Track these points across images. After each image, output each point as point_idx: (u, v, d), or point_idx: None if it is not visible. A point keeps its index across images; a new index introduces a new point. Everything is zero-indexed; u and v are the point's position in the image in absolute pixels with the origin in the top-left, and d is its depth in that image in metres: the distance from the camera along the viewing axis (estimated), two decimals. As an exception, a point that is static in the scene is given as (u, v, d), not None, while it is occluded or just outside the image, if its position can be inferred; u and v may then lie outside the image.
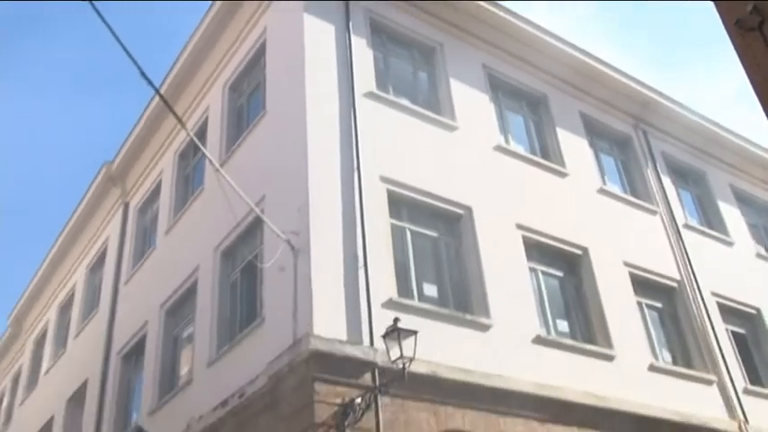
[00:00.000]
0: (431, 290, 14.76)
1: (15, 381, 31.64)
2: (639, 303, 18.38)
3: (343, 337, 12.52)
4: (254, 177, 15.33)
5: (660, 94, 22.92)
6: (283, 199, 14.35)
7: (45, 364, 27.70)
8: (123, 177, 24.02)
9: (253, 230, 15.49)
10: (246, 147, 16.89)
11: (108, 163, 24.15)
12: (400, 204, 15.11)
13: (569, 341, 16.16)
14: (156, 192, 21.89)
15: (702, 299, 19.56)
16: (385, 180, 14.86)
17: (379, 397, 12.19)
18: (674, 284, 19.52)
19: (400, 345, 11.93)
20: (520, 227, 16.62)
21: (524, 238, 16.60)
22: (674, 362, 18.41)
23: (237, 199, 14.59)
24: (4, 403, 32.41)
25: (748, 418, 17.97)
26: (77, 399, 22.79)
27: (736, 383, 18.57)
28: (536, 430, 14.18)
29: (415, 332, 12.05)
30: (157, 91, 13.57)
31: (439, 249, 15.52)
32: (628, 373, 16.38)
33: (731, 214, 23.53)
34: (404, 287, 14.11)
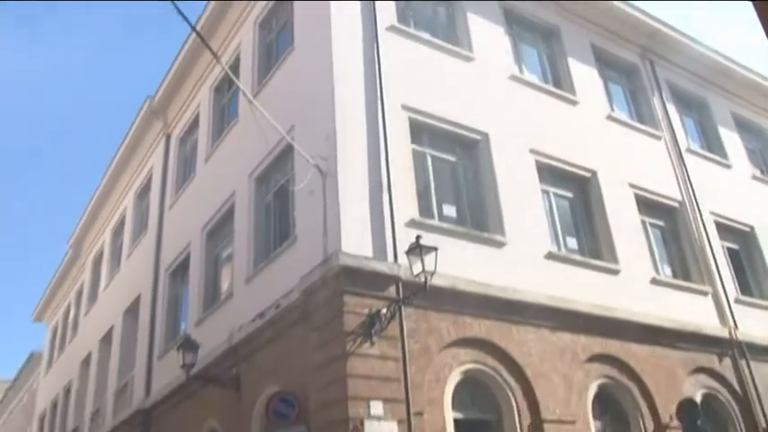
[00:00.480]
0: (450, 210, 14.64)
1: (79, 296, 32.24)
2: (643, 222, 18.24)
3: (370, 253, 12.49)
4: (285, 108, 15.09)
5: (666, 25, 22.19)
6: (312, 128, 14.15)
7: (103, 281, 28.15)
8: (164, 111, 23.87)
9: (284, 157, 15.35)
10: (276, 80, 16.61)
11: (150, 97, 23.97)
12: (421, 131, 14.87)
13: (578, 257, 16.06)
14: (194, 123, 21.75)
15: (701, 217, 19.40)
16: (407, 108, 14.59)
17: (402, 308, 12.22)
18: (676, 204, 19.30)
19: (422, 260, 11.89)
20: (533, 151, 16.36)
21: (537, 161, 16.37)
22: (674, 275, 18.34)
23: (269, 128, 14.46)
24: (71, 315, 33.10)
25: (738, 324, 18.09)
26: (132, 311, 23.18)
27: (728, 294, 18.62)
28: (546, 338, 14.20)
29: (435, 249, 12.00)
30: (194, 28, 13.33)
31: (457, 173, 15.33)
32: (632, 286, 16.33)
33: (731, 139, 23.05)
34: (425, 208, 14.00)
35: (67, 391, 30.76)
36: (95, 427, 25.11)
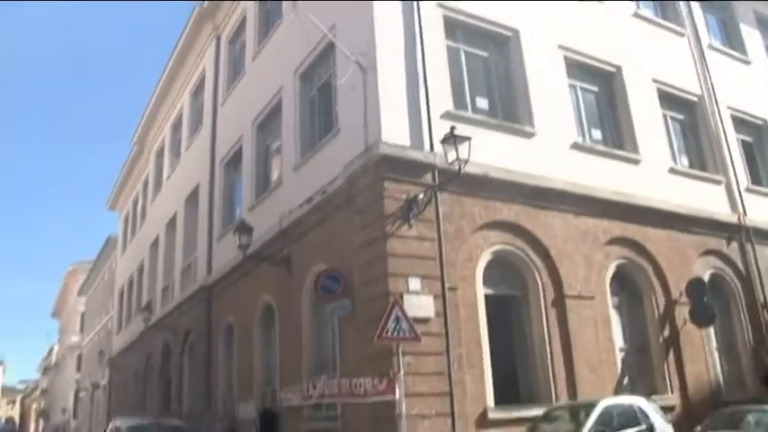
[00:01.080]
0: (482, 103, 14.08)
1: (145, 186, 32.52)
2: (664, 116, 17.48)
3: (408, 143, 12.12)
4: (326, 8, 14.35)
5: None
6: (352, 26, 13.48)
7: (165, 173, 28.23)
8: (213, 15, 23.07)
9: (326, 54, 14.76)
10: (319, -20, 15.76)
11: (200, 3, 23.16)
12: (455, 28, 14.12)
13: (602, 147, 15.52)
14: (242, 25, 21.01)
15: (719, 111, 18.55)
16: (442, 6, 13.81)
17: (438, 193, 11.95)
18: (695, 99, 18.40)
19: (456, 149, 11.52)
20: (561, 47, 15.51)
21: (565, 57, 15.55)
22: (691, 165, 17.73)
23: (312, 27, 13.88)
24: (140, 203, 33.53)
25: (747, 211, 17.59)
26: (192, 199, 23.26)
27: (740, 183, 18.04)
28: (570, 222, 13.88)
29: (468, 138, 11.60)
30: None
31: (489, 67, 14.63)
32: (651, 175, 15.80)
33: (752, 36, 21.63)
34: (459, 100, 13.47)
35: (140, 270, 31.52)
36: (166, 301, 25.77)
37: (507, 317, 13.15)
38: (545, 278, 13.20)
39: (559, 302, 13.18)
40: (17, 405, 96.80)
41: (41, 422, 71.13)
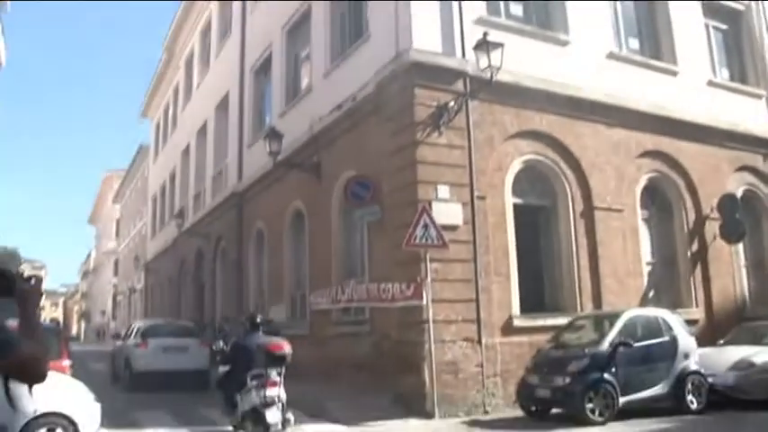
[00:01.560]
0: (516, 9, 13.63)
1: (176, 94, 32.47)
2: (706, 25, 16.76)
3: (439, 49, 11.86)
4: None
5: None
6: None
7: (195, 80, 28.12)
8: None
9: (358, -43, 14.29)
10: None
11: None
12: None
13: (638, 57, 15.03)
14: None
15: (766, 22, 17.68)
16: None
17: (469, 101, 11.76)
18: (742, 8, 17.57)
19: (488, 56, 11.25)
20: (601, -50, 14.80)
21: (605, -39, 14.85)
22: (731, 78, 17.11)
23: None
24: (171, 111, 33.58)
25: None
26: (223, 106, 23.23)
27: (783, 98, 17.33)
28: (603, 133, 13.65)
29: (501, 45, 11.30)
30: None
31: (526, -28, 14.08)
32: (688, 87, 15.31)
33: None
34: (492, 6, 13.05)
35: (172, 178, 31.94)
36: (198, 208, 26.20)
37: (535, 227, 13.18)
38: (574, 189, 13.12)
39: (588, 214, 13.14)
40: (60, 307, 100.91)
41: (83, 323, 74.13)
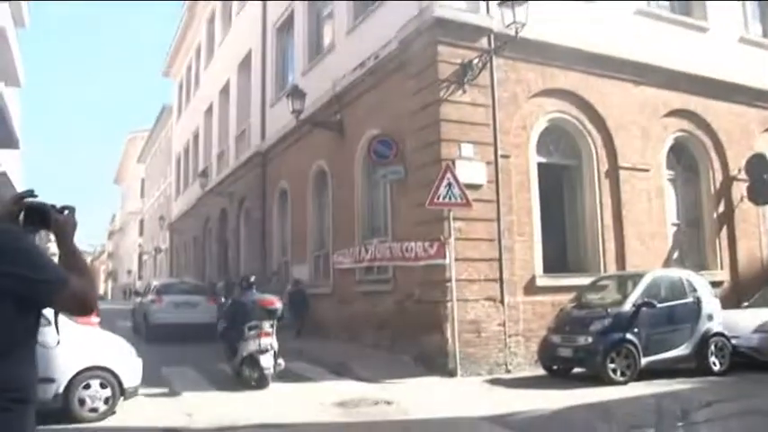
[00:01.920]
0: (544, -37, 13.27)
1: (198, 53, 32.32)
2: (739, -21, 16.21)
3: (463, 5, 11.62)
4: None
5: None
6: None
7: (217, 39, 27.96)
8: None
9: None
10: None
11: None
12: None
13: (667, 13, 14.62)
14: None
15: (801, -26, 17.07)
16: None
17: (493, 58, 11.56)
18: (776, -39, 16.98)
19: (513, 12, 10.99)
20: None
21: None
22: (764, 34, 16.57)
23: None
24: (193, 70, 33.49)
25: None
26: (245, 64, 23.11)
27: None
28: (629, 91, 13.38)
29: (526, 0, 11.02)
30: None
31: (554, -76, 13.67)
32: (719, 44, 14.88)
33: None
34: (519, -40, 12.70)
35: (196, 137, 32.03)
36: (221, 167, 26.31)
37: (559, 186, 13.07)
38: (599, 148, 12.94)
39: (613, 173, 12.98)
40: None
41: (110, 282, 75.48)
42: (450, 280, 10.43)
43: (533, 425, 7.19)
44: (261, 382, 9.52)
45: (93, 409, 7.44)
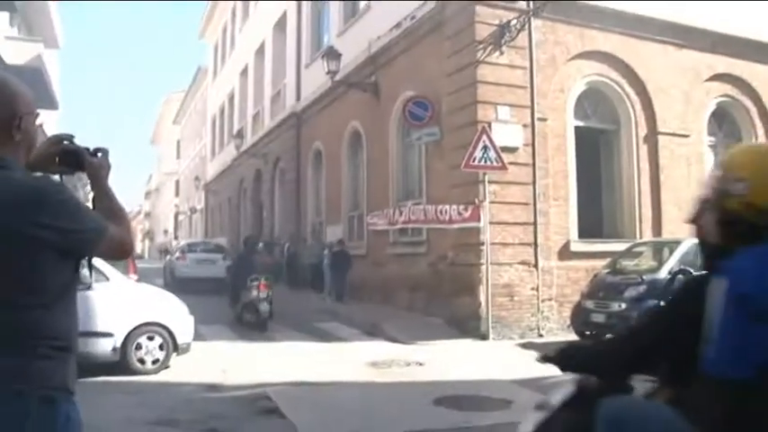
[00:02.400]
0: None
1: (233, 14, 32.15)
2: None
3: (502, -36, 11.37)
4: None
5: None
6: None
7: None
8: None
9: None
10: None
11: None
12: None
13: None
14: None
15: None
16: None
17: (532, 19, 11.30)
18: None
19: (555, -29, 10.74)
20: None
21: None
22: (816, -4, 15.92)
23: None
24: (228, 32, 33.42)
25: None
26: (280, 26, 23.00)
27: None
28: (671, 55, 13.03)
29: (569, -41, 10.76)
30: None
31: None
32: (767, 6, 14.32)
33: None
34: None
35: (231, 98, 32.13)
36: (256, 128, 26.42)
37: (596, 151, 12.89)
38: (639, 113, 12.67)
39: (652, 139, 12.73)
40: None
41: (147, 242, 76.91)
42: (484, 243, 10.42)
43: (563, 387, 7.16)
44: (260, 326, 11.19)
45: (148, 362, 7.78)
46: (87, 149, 2.00)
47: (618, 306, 9.71)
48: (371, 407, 6.35)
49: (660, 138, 12.78)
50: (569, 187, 11.69)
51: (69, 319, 1.83)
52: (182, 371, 7.89)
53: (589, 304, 10.16)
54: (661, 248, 10.91)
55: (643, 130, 12.71)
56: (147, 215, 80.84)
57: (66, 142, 1.98)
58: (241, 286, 11.80)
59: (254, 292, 11.41)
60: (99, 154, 2.01)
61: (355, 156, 16.30)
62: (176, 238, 48.90)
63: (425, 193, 12.69)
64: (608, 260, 10.91)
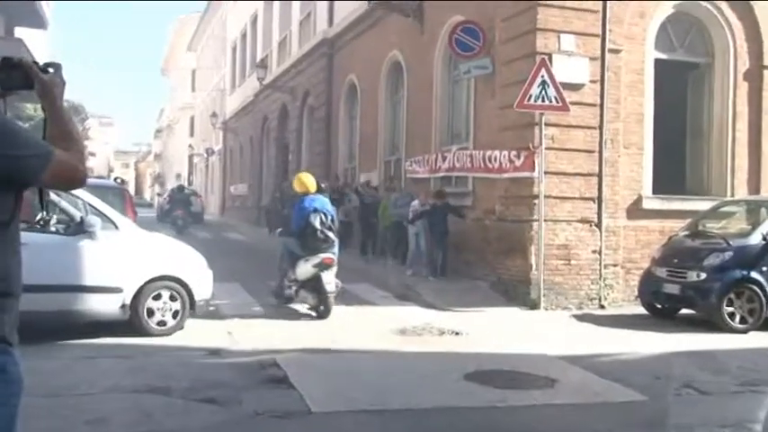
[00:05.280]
0: None
1: None
2: None
3: None
4: None
5: None
6: None
7: None
8: None
9: None
10: None
11: None
12: None
13: None
14: None
15: None
16: None
17: (608, -72, 11.13)
18: None
19: None
20: None
21: None
22: None
23: None
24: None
25: None
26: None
27: None
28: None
29: None
30: None
31: None
32: None
33: None
34: None
35: (254, 22, 32.35)
36: (282, 57, 26.64)
37: (681, 89, 12.77)
38: (740, 43, 12.37)
39: (755, 75, 12.47)
40: (131, 168, 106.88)
41: (156, 187, 78.50)
42: (538, 196, 10.54)
43: (620, 370, 7.17)
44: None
45: (162, 323, 7.99)
46: (36, 64, 2.06)
47: (696, 275, 9.71)
48: (392, 379, 6.57)
49: (766, 74, 12.52)
50: (645, 132, 11.64)
51: (8, 259, 1.89)
52: (182, 333, 8.19)
53: (661, 272, 10.20)
54: (756, 209, 10.88)
55: (744, 65, 12.45)
56: (158, 157, 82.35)
57: (9, 58, 2.03)
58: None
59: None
60: (50, 69, 2.06)
61: (395, 92, 16.45)
62: (190, 183, 49.89)
63: (473, 137, 12.81)
64: (688, 221, 10.94)
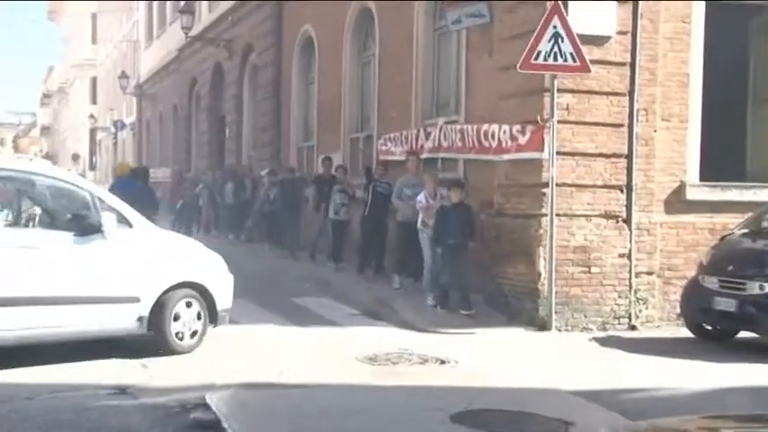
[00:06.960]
0: None
1: None
2: None
3: None
4: None
5: None
6: None
7: None
8: None
9: None
10: None
11: None
12: None
13: None
14: None
15: None
16: None
17: None
18: None
19: None
20: None
21: None
22: None
23: None
24: None
25: None
26: None
27: None
28: None
29: None
30: None
31: None
32: None
33: None
34: None
35: (178, -50, 32.22)
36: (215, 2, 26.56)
37: (740, 43, 12.84)
38: None
39: None
40: (7, 146, 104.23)
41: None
42: (548, 184, 10.63)
43: (655, 410, 7.06)
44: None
45: (186, 336, 8.60)
46: None
47: (758, 287, 9.76)
48: (358, 422, 6.63)
49: None
50: (690, 100, 11.74)
51: None
52: (81, 365, 8.10)
53: (712, 283, 10.23)
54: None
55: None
56: (46, 131, 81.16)
57: None
58: None
59: None
60: None
61: (363, 48, 16.66)
62: (93, 167, 49.57)
63: (464, 108, 12.97)
64: (748, 215, 11.00)
